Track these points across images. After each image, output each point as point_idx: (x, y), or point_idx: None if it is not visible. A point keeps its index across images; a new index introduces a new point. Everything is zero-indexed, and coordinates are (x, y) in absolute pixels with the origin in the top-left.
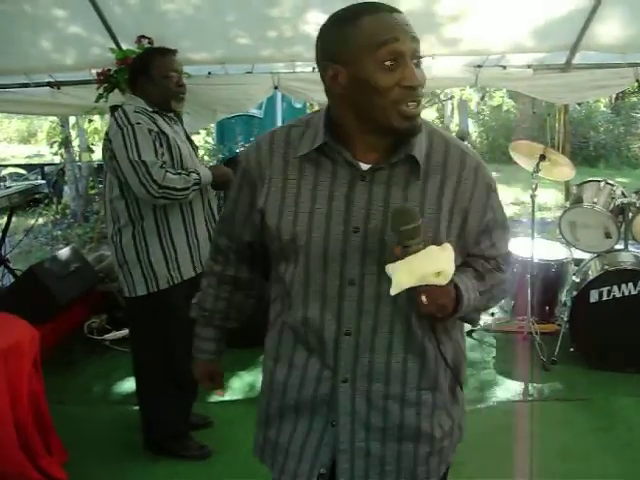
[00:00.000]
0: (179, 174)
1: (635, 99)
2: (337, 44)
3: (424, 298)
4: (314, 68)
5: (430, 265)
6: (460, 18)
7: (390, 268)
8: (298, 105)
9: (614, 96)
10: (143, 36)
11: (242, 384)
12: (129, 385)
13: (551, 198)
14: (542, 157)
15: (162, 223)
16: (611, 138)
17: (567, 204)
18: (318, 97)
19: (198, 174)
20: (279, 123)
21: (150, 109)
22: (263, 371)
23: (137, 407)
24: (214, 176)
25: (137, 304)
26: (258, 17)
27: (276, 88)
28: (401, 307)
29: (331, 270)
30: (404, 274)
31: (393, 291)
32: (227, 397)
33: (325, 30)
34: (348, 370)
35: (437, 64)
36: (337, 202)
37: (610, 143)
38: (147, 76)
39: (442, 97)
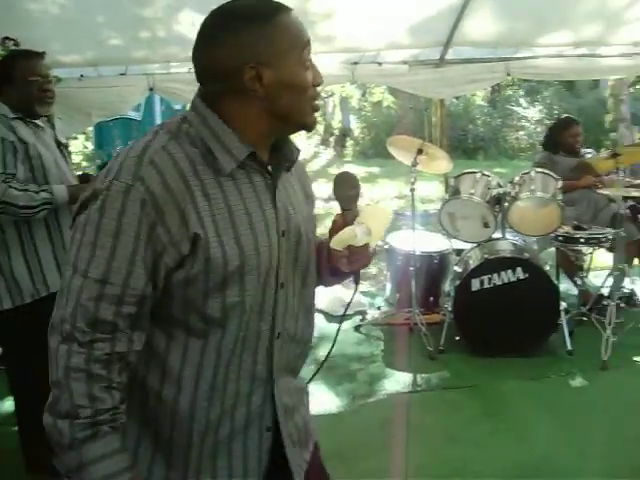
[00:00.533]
0: (25, 190)
1: (511, 92)
2: (259, 44)
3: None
4: (190, 69)
5: (383, 223)
6: (333, 16)
7: (344, 232)
8: (177, 107)
9: (490, 89)
10: (7, 37)
11: None
12: (7, 405)
13: (434, 191)
14: (420, 151)
15: (25, 235)
16: (489, 130)
17: (446, 196)
18: None
19: (51, 193)
20: None
21: (12, 115)
22: None
23: (16, 428)
24: (71, 196)
25: (3, 318)
26: (130, 17)
27: (151, 90)
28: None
29: (268, 281)
30: (358, 231)
31: (340, 245)
32: None
33: (240, 28)
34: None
35: (314, 62)
36: (268, 211)
37: (488, 135)
38: (10, 80)
39: (323, 95)
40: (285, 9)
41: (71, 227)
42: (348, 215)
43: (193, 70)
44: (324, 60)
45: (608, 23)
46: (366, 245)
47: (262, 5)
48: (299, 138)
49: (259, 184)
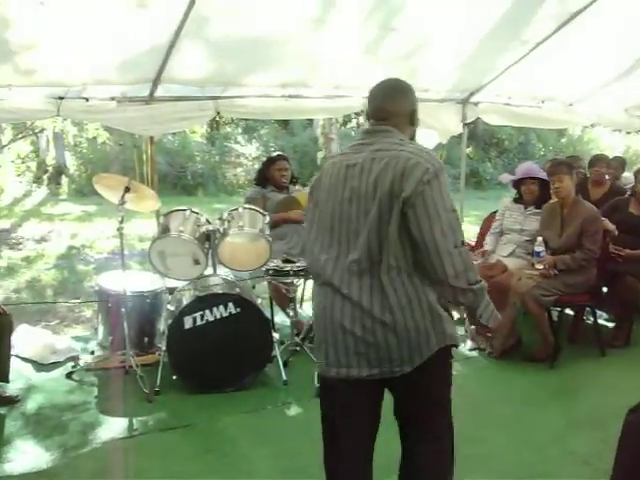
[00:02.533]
0: None
1: (229, 129)
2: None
3: None
4: None
5: None
6: (35, 47)
7: None
8: None
9: (208, 127)
10: None
11: None
12: None
13: (152, 229)
14: (127, 189)
15: None
16: (208, 167)
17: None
18: None
19: None
20: None
21: None
22: None
23: None
24: None
25: None
26: None
27: None
28: None
29: None
30: None
31: None
32: None
33: (411, 92)
34: None
35: (14, 95)
36: None
37: (207, 172)
38: None
39: (35, 130)
40: None
41: None
42: None
43: None
44: (26, 94)
45: (311, 66)
46: None
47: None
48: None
49: None
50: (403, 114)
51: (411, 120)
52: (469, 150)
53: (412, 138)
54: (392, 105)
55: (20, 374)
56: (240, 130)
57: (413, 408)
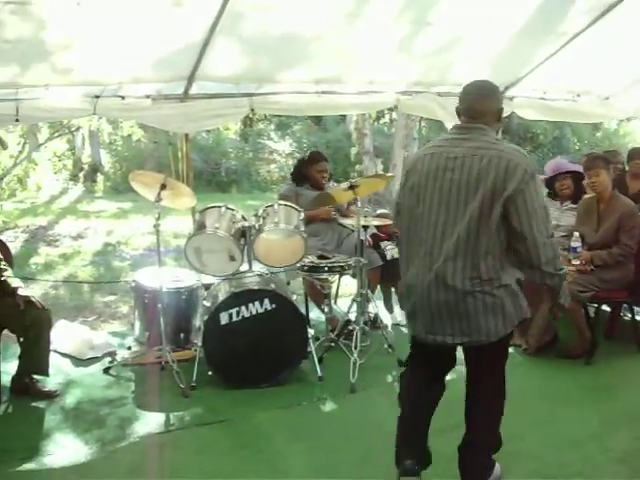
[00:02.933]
0: None
1: (262, 126)
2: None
3: None
4: None
5: None
6: (72, 46)
7: None
8: None
9: (242, 124)
10: None
11: None
12: None
13: (187, 225)
14: (163, 186)
15: None
16: (241, 164)
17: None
18: None
19: None
20: None
21: None
22: None
23: None
24: None
25: None
26: None
27: None
28: None
29: None
30: None
31: None
32: None
33: (498, 92)
34: None
35: (52, 94)
36: None
37: (240, 169)
38: None
39: (71, 128)
40: None
41: None
42: None
43: None
44: (63, 93)
45: (344, 62)
46: None
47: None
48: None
49: None
50: (492, 113)
51: (498, 117)
52: None
53: (497, 132)
54: (483, 105)
55: (59, 369)
56: (273, 127)
57: (485, 372)
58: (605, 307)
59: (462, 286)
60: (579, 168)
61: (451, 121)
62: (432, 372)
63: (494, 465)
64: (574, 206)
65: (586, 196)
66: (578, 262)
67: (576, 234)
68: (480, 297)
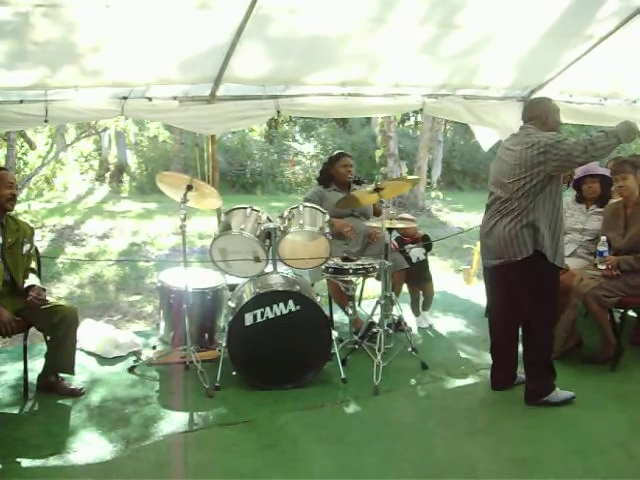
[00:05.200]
0: None
1: (287, 128)
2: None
3: None
4: None
5: None
6: (101, 49)
7: None
8: None
9: (267, 125)
10: None
11: None
12: None
13: (212, 226)
14: (189, 187)
15: None
16: (266, 165)
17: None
18: None
19: None
20: None
21: None
22: None
23: None
24: None
25: None
26: None
27: None
28: None
29: None
30: None
31: None
32: None
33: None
34: None
35: (80, 96)
36: None
37: (265, 170)
38: None
39: (98, 129)
40: None
41: None
42: None
43: None
44: (92, 94)
45: (370, 65)
46: None
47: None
48: (73, 175)
49: None
50: (537, 117)
51: (543, 121)
52: None
53: (550, 130)
54: (529, 113)
55: (84, 367)
56: (298, 128)
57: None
58: (631, 313)
59: None
60: (607, 172)
61: (476, 124)
62: None
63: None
64: (600, 210)
65: (613, 201)
66: (604, 267)
67: (603, 238)
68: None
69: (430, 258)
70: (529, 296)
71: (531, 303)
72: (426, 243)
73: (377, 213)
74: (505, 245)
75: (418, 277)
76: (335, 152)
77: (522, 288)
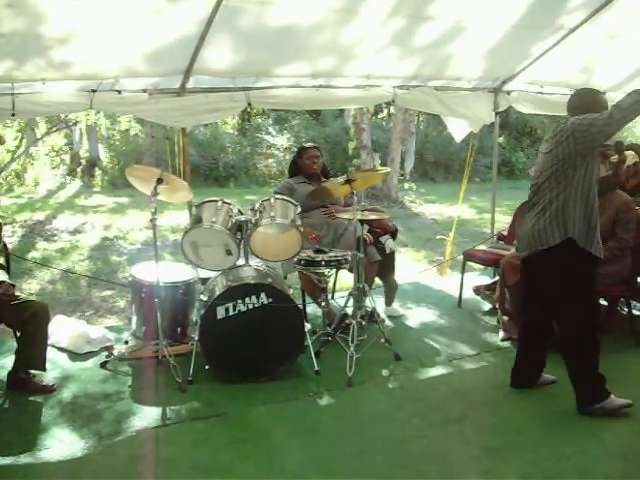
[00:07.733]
0: None
1: (260, 121)
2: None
3: None
4: None
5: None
6: (69, 41)
7: None
8: None
9: (239, 118)
10: None
11: None
12: None
13: (183, 220)
14: (160, 181)
15: None
16: (239, 158)
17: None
18: None
19: None
20: None
21: None
22: None
23: None
24: None
25: None
26: None
27: None
28: None
29: None
30: None
31: None
32: None
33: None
34: None
35: (48, 89)
36: None
37: (238, 163)
38: None
39: (69, 123)
40: None
41: None
42: None
43: None
44: (60, 87)
45: (341, 56)
46: None
47: None
48: (44, 169)
49: None
50: (577, 108)
51: (584, 112)
52: (501, 139)
53: None
54: (571, 104)
55: (56, 363)
56: (271, 121)
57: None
58: (602, 301)
59: None
60: None
61: (448, 115)
62: None
63: None
64: None
65: None
66: None
67: None
68: None
69: (403, 249)
70: (558, 289)
71: (561, 297)
72: (392, 232)
73: (347, 205)
74: (534, 235)
75: (390, 267)
76: (305, 144)
77: (552, 279)
